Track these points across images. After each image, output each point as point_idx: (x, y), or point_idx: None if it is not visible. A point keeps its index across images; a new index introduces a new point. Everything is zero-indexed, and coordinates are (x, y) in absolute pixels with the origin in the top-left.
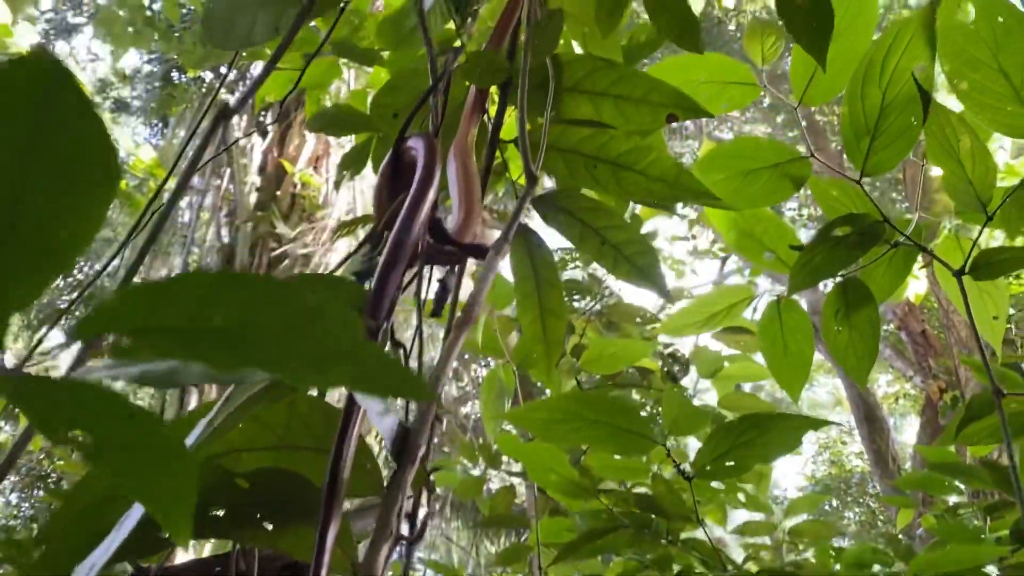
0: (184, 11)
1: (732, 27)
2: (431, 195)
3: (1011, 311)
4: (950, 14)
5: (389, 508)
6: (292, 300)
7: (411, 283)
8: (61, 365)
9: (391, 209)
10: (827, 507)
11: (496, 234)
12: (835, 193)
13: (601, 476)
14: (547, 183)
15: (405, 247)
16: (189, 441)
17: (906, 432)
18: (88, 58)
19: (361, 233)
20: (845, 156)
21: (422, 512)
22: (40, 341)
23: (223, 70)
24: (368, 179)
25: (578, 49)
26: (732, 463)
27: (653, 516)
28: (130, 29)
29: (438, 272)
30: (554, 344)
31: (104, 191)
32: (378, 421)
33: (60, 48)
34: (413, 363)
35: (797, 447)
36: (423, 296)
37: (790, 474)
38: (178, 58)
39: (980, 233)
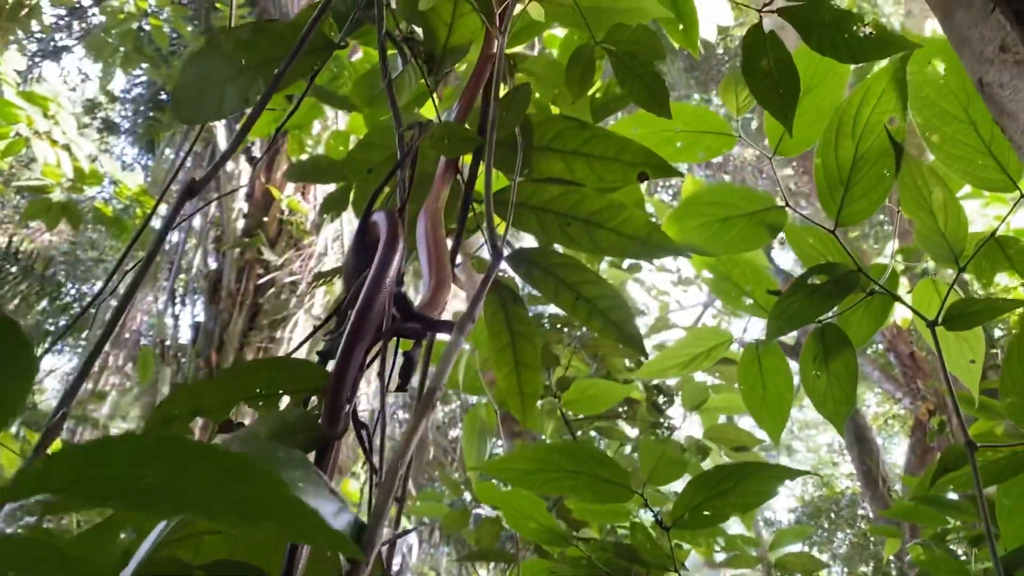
0: (173, 35)
1: (720, 51)
2: (392, 272)
3: (999, 331)
4: (921, 68)
5: None
6: (219, 461)
7: (375, 359)
8: (48, 390)
9: (355, 287)
10: (819, 528)
11: (477, 279)
12: (811, 240)
13: (582, 520)
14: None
15: (366, 326)
16: (148, 543)
17: (895, 453)
18: (79, 79)
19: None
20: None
21: None
22: None
23: None
24: None
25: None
26: (709, 513)
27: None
28: (121, 49)
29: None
30: (530, 396)
31: (20, 387)
32: (332, 520)
33: (50, 69)
34: (376, 442)
35: (774, 495)
36: (387, 373)
37: (780, 496)
38: (165, 84)
39: (953, 284)
